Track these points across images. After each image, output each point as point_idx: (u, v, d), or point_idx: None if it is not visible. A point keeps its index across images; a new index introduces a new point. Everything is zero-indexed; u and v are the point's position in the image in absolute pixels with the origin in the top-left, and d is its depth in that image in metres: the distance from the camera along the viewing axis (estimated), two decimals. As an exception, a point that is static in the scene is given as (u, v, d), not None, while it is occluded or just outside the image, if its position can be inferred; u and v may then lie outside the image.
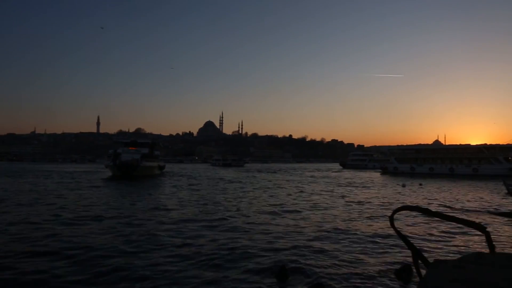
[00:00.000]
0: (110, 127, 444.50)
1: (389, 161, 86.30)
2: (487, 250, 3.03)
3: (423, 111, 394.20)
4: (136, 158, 53.77)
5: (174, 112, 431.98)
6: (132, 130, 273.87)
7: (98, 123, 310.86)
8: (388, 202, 25.06)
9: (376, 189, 37.72)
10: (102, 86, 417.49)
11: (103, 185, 39.00)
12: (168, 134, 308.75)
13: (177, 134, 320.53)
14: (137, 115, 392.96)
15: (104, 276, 8.89)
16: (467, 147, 77.97)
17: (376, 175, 69.91)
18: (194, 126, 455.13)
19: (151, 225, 15.43)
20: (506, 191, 31.39)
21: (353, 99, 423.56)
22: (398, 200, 27.19)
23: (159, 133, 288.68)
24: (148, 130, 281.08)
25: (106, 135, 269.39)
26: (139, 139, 70.22)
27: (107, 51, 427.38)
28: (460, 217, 3.18)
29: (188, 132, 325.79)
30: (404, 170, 78.41)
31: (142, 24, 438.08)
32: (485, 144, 77.28)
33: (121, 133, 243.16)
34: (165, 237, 13.16)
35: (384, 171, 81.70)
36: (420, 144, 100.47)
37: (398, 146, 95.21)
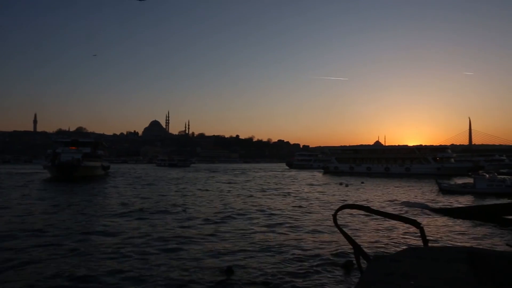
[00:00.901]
0: (48, 125, 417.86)
1: (330, 161, 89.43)
2: (421, 244, 3.28)
3: (366, 113, 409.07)
4: (77, 158, 51.26)
5: (118, 110, 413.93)
6: (72, 129, 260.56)
7: (35, 121, 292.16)
8: (333, 201, 25.96)
9: (320, 188, 38.86)
10: (40, 82, 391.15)
11: (39, 187, 36.91)
12: (111, 134, 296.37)
13: (122, 133, 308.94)
14: (78, 113, 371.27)
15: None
16: (401, 148, 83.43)
17: (319, 175, 72.11)
18: (139, 125, 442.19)
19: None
20: (438, 189, 33.77)
21: (299, 100, 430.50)
22: (342, 198, 28.22)
23: (102, 132, 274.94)
24: (90, 129, 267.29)
25: (44, 134, 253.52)
26: (80, 138, 67.08)
27: (47, 45, 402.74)
28: (397, 214, 3.41)
29: (133, 131, 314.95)
30: (344, 169, 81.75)
31: (86, 21, 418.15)
32: (420, 145, 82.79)
33: (60, 132, 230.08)
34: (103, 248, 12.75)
35: (326, 171, 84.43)
36: (359, 145, 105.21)
37: (340, 146, 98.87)
